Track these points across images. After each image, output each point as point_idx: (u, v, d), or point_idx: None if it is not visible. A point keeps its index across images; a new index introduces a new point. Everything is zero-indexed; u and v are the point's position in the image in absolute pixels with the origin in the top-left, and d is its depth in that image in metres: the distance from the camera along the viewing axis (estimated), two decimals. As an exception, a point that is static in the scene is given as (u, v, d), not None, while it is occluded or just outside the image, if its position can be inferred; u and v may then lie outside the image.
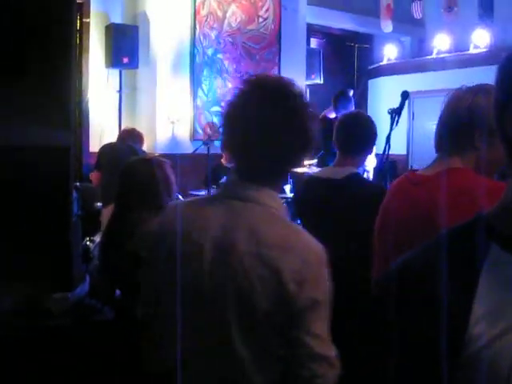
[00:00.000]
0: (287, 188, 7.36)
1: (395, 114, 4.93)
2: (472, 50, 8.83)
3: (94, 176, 6.28)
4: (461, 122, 1.91)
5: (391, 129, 5.10)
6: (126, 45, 7.21)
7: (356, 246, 2.72)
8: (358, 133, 3.15)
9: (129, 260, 2.67)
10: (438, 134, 2.04)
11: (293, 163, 1.61)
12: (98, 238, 3.72)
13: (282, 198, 7.27)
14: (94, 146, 7.31)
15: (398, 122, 4.97)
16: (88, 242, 3.77)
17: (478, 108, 1.87)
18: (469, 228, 0.95)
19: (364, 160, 3.30)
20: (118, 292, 2.89)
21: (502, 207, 0.95)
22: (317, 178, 3.23)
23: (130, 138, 6.26)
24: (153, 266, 1.77)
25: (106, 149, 6.28)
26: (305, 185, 3.41)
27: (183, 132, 7.75)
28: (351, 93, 6.97)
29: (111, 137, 6.88)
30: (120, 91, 7.38)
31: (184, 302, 1.54)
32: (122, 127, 7.04)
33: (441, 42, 9.30)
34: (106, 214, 4.94)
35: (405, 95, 5.08)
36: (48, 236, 3.06)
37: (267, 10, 8.29)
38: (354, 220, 2.86)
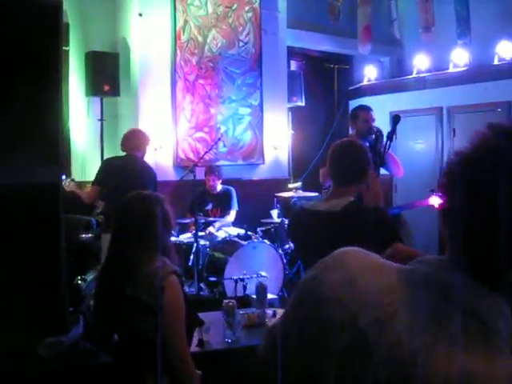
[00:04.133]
0: (275, 213, 7.30)
1: (388, 139, 4.91)
2: (451, 69, 8.86)
3: (90, 190, 6.01)
4: None
5: (384, 152, 5.09)
6: (106, 72, 7.15)
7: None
8: (353, 162, 3.09)
9: (127, 304, 2.57)
10: None
11: None
12: (90, 276, 3.61)
13: (270, 223, 7.22)
14: (77, 176, 7.21)
15: (390, 146, 4.96)
16: (79, 281, 3.65)
17: None
18: None
19: (359, 188, 3.23)
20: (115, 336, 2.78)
21: None
22: (313, 211, 3.13)
23: (131, 147, 6.06)
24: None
25: (109, 164, 6.11)
26: (299, 217, 3.30)
27: (166, 159, 7.66)
28: None
29: (94, 166, 6.77)
30: (101, 119, 7.29)
31: None
32: (105, 156, 6.93)
33: (420, 62, 9.33)
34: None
35: (396, 119, 5.07)
36: (39, 278, 2.96)
37: (247, 35, 8.26)
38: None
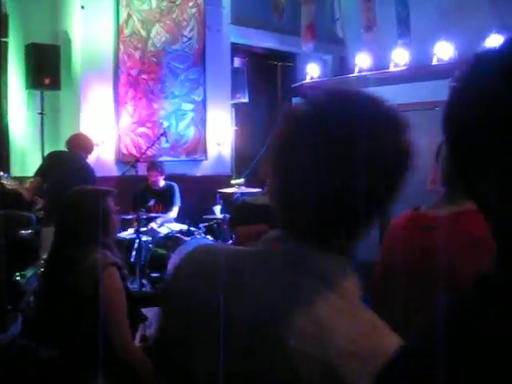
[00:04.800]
0: (217, 209, 7.31)
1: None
2: (392, 69, 9.02)
3: (33, 181, 6.01)
4: None
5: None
6: (47, 65, 7.01)
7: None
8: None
9: (69, 298, 2.56)
10: (445, 167, 1.76)
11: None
12: (29, 273, 3.55)
13: (213, 219, 7.23)
14: (16, 171, 7.07)
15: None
16: (18, 278, 3.59)
17: None
18: (480, 298, 0.70)
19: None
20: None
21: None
22: (253, 205, 3.17)
23: (76, 145, 6.11)
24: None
25: (53, 157, 6.10)
26: (240, 211, 3.35)
27: (108, 154, 7.58)
28: None
29: (34, 161, 6.65)
30: (42, 113, 7.15)
31: None
32: (45, 151, 6.82)
33: (362, 61, 9.47)
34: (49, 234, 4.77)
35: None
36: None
37: (191, 30, 8.24)
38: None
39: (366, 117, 1.06)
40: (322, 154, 1.01)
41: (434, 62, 8.47)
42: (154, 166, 7.23)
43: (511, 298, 0.67)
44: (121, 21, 7.60)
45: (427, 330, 0.77)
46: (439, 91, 8.47)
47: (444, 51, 8.32)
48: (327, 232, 1.06)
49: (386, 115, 1.10)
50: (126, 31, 7.66)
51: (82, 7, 7.29)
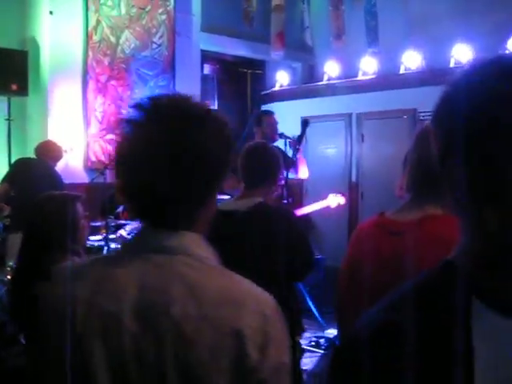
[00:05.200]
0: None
1: (296, 142, 5.04)
2: (360, 77, 9.12)
3: (0, 188, 5.96)
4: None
5: (294, 156, 5.21)
6: (14, 71, 6.92)
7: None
8: (263, 165, 3.15)
9: (36, 306, 2.53)
10: (412, 174, 1.79)
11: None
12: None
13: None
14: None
15: (299, 149, 5.08)
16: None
17: None
18: (440, 280, 0.82)
19: (270, 190, 3.27)
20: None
21: (468, 252, 0.83)
22: (222, 211, 3.17)
23: (44, 152, 6.09)
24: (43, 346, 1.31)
25: (20, 164, 6.07)
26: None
27: (77, 161, 7.52)
28: None
29: (1, 168, 6.57)
30: (9, 119, 7.07)
31: None
32: (12, 158, 6.75)
33: (331, 69, 9.56)
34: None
35: (305, 123, 5.21)
36: None
37: (161, 37, 8.23)
38: (266, 253, 2.84)
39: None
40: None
41: (402, 71, 8.59)
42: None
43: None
44: (90, 27, 7.56)
45: (396, 304, 0.85)
46: (407, 100, 8.64)
47: (411, 60, 8.44)
48: (174, 217, 1.26)
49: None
50: (95, 37, 7.62)
51: (51, 13, 7.23)
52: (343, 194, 5.67)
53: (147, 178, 1.21)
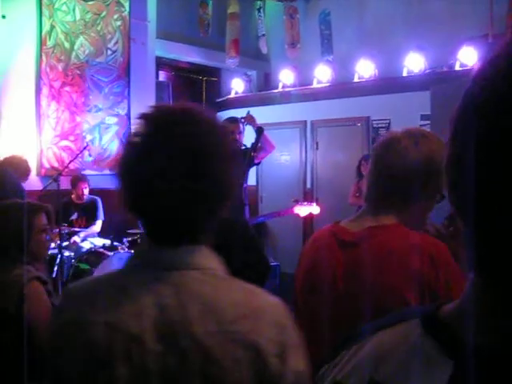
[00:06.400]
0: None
1: (251, 149, 5.07)
2: (315, 85, 9.23)
3: None
4: (412, 171, 1.67)
5: (249, 164, 5.23)
6: (-36, 76, 6.82)
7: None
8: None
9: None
10: (370, 184, 1.79)
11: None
12: None
13: (137, 233, 7.16)
14: None
15: (253, 157, 5.11)
16: None
17: (435, 156, 1.65)
18: (411, 329, 0.72)
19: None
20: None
21: (463, 308, 0.69)
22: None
23: (9, 166, 5.96)
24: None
25: None
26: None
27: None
28: None
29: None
30: (-41, 125, 6.94)
31: None
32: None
33: (286, 77, 9.65)
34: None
35: (260, 131, 5.24)
36: None
37: (116, 43, 8.18)
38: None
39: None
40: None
41: (356, 80, 8.73)
42: (83, 178, 7.16)
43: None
44: (43, 32, 7.47)
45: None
46: (360, 108, 8.77)
47: (365, 69, 8.59)
48: (181, 232, 1.25)
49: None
50: (49, 42, 7.54)
51: (3, 17, 7.13)
52: (318, 203, 5.66)
53: (158, 195, 1.20)
